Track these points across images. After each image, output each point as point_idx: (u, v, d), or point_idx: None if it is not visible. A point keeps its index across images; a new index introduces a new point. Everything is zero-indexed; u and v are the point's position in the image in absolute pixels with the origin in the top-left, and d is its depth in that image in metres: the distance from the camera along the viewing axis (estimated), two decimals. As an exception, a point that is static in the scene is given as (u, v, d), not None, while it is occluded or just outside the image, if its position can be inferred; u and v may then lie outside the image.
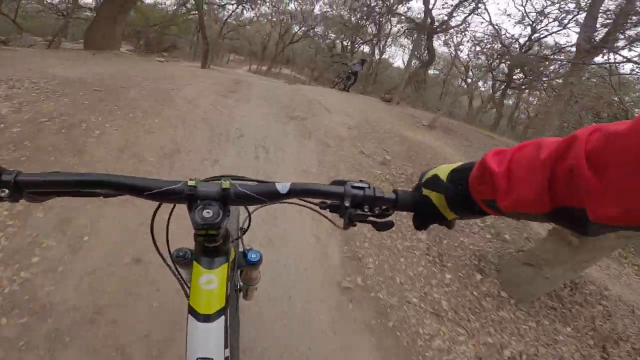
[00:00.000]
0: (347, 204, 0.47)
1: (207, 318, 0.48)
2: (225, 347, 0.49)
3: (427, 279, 2.17)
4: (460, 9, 11.55)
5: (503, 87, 13.98)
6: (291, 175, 3.04)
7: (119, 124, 2.85)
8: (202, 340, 0.48)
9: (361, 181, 0.49)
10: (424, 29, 9.09)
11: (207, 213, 0.45)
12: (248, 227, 0.73)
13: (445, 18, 11.21)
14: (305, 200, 0.55)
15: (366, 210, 0.47)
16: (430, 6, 9.17)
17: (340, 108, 5.53)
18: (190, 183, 0.46)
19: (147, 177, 0.47)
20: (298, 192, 0.48)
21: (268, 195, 0.48)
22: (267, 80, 8.64)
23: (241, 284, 0.93)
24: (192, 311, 0.49)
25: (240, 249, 0.81)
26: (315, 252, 2.11)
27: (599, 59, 6.22)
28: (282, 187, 0.48)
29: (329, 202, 0.51)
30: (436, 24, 11.42)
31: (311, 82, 22.84)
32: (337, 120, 4.79)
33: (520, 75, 13.11)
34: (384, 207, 0.49)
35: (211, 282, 0.51)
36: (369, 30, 18.08)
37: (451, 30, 11.87)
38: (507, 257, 2.61)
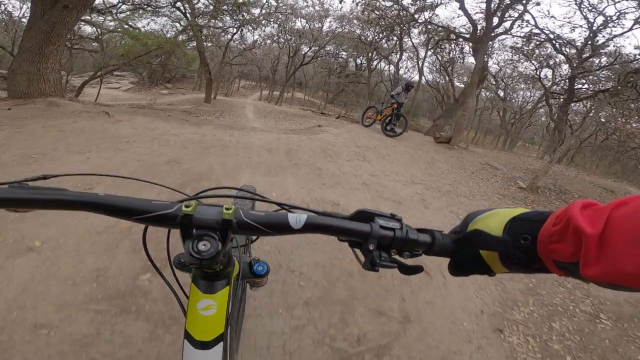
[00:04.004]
0: (371, 247, 0.38)
1: (204, 345, 0.43)
2: None
3: None
4: (508, 12, 9.39)
5: (561, 100, 11.46)
6: None
7: None
8: None
9: (392, 216, 0.40)
10: (484, 39, 6.87)
11: (204, 245, 0.37)
12: (258, 236, 0.65)
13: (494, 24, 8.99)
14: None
15: (393, 253, 0.39)
16: (492, 10, 6.93)
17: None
18: (185, 209, 0.38)
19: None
20: (314, 227, 0.40)
21: (278, 227, 0.40)
22: (275, 131, 5.29)
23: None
24: (188, 336, 0.44)
25: (247, 260, 0.69)
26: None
27: None
28: (296, 220, 0.40)
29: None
30: (480, 32, 9.25)
31: (326, 107, 20.93)
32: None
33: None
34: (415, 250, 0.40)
35: (210, 307, 0.44)
36: (385, 45, 16.01)
37: (501, 37, 9.63)
38: None
